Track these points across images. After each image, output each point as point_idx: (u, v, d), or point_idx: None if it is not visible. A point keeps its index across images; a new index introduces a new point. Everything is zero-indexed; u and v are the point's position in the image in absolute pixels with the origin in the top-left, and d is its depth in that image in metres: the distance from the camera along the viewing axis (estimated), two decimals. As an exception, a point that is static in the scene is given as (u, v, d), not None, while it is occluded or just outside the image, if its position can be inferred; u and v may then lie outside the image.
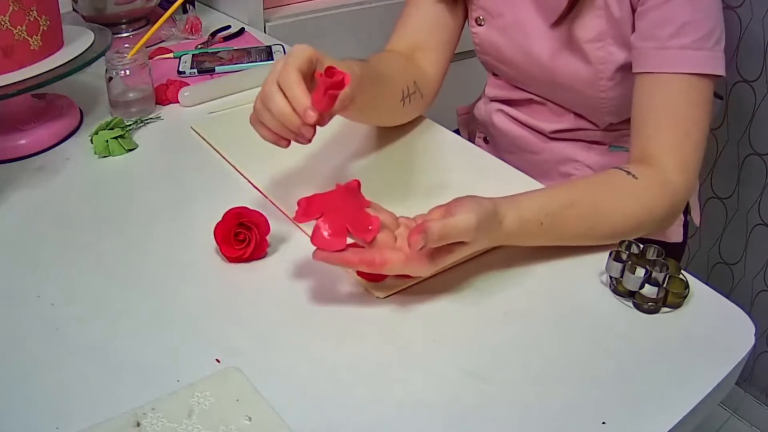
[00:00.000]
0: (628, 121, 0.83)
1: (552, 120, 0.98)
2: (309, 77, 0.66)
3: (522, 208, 0.66)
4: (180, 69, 1.09)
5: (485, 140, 1.09)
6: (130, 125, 0.93)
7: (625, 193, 0.73)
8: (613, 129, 0.95)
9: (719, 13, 0.78)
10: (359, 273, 0.67)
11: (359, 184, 0.66)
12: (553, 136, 0.99)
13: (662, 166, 0.75)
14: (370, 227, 0.62)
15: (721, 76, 0.77)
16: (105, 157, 0.88)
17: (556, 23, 0.87)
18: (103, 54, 0.92)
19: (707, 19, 0.77)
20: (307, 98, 0.63)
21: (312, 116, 0.63)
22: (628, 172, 0.73)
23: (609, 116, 0.93)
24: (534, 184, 0.82)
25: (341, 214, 0.62)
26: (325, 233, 0.60)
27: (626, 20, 0.82)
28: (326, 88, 0.63)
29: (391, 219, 0.65)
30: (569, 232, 0.69)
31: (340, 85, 0.63)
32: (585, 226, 0.70)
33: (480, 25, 0.97)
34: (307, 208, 0.63)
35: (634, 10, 0.81)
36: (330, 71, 0.64)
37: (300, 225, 0.74)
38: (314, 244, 0.60)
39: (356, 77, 0.68)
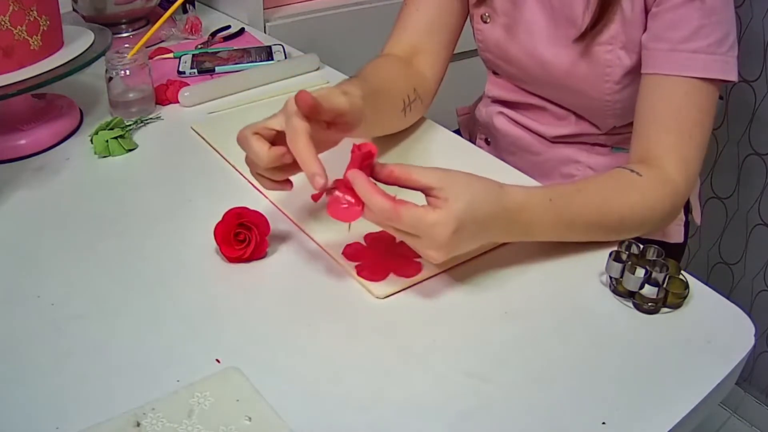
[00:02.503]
0: (631, 124, 0.83)
1: (554, 124, 0.98)
2: (311, 119, 0.65)
3: (527, 188, 0.67)
4: (180, 69, 1.09)
5: (486, 141, 1.09)
6: (130, 125, 0.93)
7: (631, 188, 0.73)
8: (615, 132, 0.95)
9: (732, 18, 0.78)
10: (359, 273, 0.67)
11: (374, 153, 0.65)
12: (556, 140, 0.99)
13: (663, 166, 0.75)
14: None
15: (732, 81, 0.77)
16: (105, 157, 0.88)
17: (580, 39, 0.85)
18: (103, 54, 0.92)
19: (722, 23, 0.77)
20: (316, 163, 0.62)
21: (320, 182, 0.62)
22: (632, 170, 0.73)
23: (612, 119, 0.92)
24: (535, 185, 0.82)
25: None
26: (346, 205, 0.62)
27: (637, 21, 0.82)
28: (362, 160, 0.63)
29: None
30: (580, 218, 0.69)
31: (370, 155, 0.63)
32: (594, 213, 0.69)
33: (485, 22, 0.96)
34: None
35: (647, 11, 0.80)
36: (357, 145, 0.64)
37: (300, 225, 0.74)
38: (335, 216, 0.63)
39: (358, 99, 0.70)
